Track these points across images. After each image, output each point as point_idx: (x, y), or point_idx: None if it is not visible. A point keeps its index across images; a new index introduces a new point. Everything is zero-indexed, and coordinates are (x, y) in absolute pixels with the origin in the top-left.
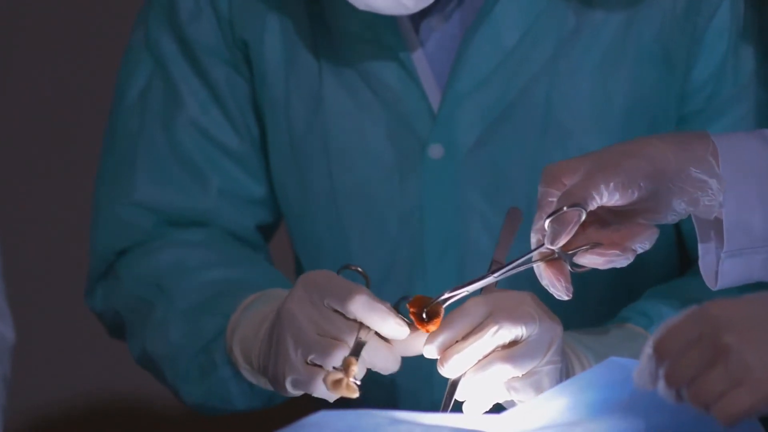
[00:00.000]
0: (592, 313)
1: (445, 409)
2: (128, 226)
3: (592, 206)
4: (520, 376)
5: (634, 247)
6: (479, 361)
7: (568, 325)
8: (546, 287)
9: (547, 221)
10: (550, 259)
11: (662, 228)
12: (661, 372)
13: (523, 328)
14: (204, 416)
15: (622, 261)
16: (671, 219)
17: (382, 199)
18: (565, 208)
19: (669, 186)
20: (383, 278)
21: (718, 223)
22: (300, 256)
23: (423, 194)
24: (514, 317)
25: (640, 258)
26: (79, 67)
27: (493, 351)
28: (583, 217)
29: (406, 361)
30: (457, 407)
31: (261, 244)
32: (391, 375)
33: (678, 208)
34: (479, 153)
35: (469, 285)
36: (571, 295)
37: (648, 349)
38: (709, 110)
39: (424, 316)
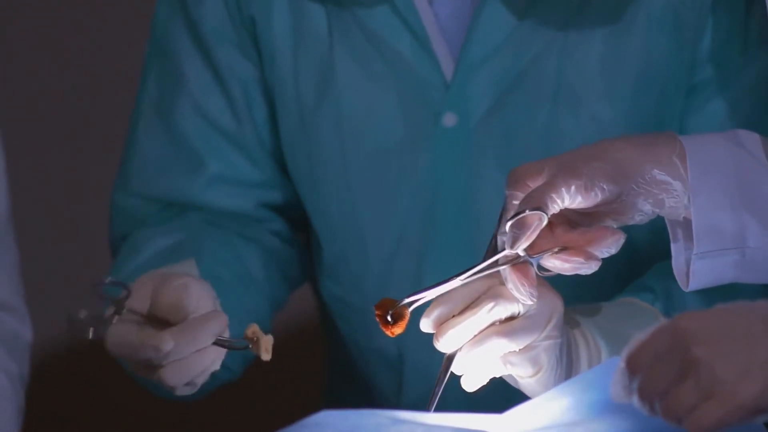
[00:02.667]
0: (597, 293)
1: (440, 384)
2: (127, 214)
3: (554, 210)
4: (517, 350)
5: (599, 253)
6: (475, 335)
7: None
8: (510, 291)
9: (508, 224)
10: (516, 262)
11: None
12: (634, 386)
13: (520, 304)
14: (204, 415)
15: (586, 269)
16: (639, 220)
17: (394, 170)
18: (527, 212)
19: (633, 187)
20: (395, 249)
21: (687, 223)
22: (317, 230)
23: (436, 163)
24: (512, 293)
25: (652, 247)
26: (92, 64)
27: (490, 326)
28: (545, 222)
29: (413, 337)
30: (455, 388)
31: (268, 217)
32: (399, 350)
33: (644, 209)
34: (492, 121)
35: (435, 287)
36: (535, 300)
37: (621, 363)
38: (718, 79)
39: (389, 318)
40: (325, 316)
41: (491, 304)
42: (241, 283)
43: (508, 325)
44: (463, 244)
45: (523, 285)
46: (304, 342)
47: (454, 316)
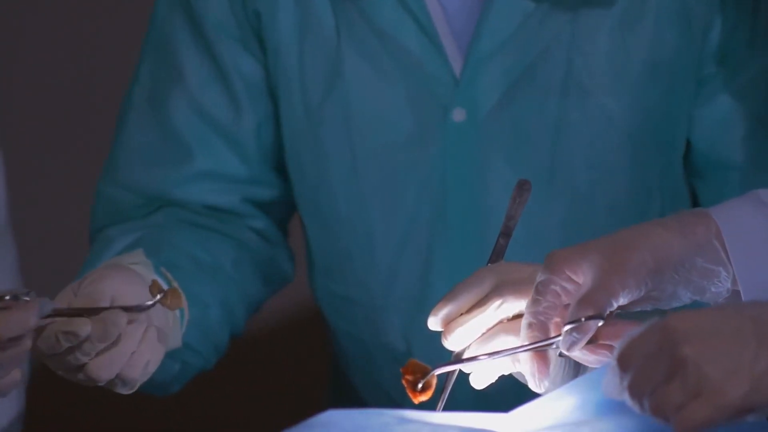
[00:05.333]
0: None
1: (449, 382)
2: (110, 205)
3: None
4: None
5: None
6: (483, 333)
7: None
8: (524, 372)
9: (565, 328)
10: (541, 347)
11: (680, 200)
12: (625, 383)
13: (528, 302)
14: (207, 415)
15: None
16: (674, 305)
17: (403, 165)
18: (583, 320)
19: (674, 276)
20: (403, 245)
21: (732, 296)
22: (314, 229)
23: (445, 158)
24: (519, 291)
25: None
26: (92, 62)
27: (498, 323)
28: (600, 324)
29: (420, 333)
30: (463, 386)
31: (251, 213)
32: (407, 346)
33: (683, 297)
34: (501, 115)
35: (467, 362)
36: (542, 390)
37: (612, 360)
38: (726, 72)
39: (420, 386)
40: (325, 317)
41: (499, 302)
42: (208, 273)
43: (515, 323)
44: (472, 239)
45: (540, 374)
46: (309, 341)
47: (461, 314)
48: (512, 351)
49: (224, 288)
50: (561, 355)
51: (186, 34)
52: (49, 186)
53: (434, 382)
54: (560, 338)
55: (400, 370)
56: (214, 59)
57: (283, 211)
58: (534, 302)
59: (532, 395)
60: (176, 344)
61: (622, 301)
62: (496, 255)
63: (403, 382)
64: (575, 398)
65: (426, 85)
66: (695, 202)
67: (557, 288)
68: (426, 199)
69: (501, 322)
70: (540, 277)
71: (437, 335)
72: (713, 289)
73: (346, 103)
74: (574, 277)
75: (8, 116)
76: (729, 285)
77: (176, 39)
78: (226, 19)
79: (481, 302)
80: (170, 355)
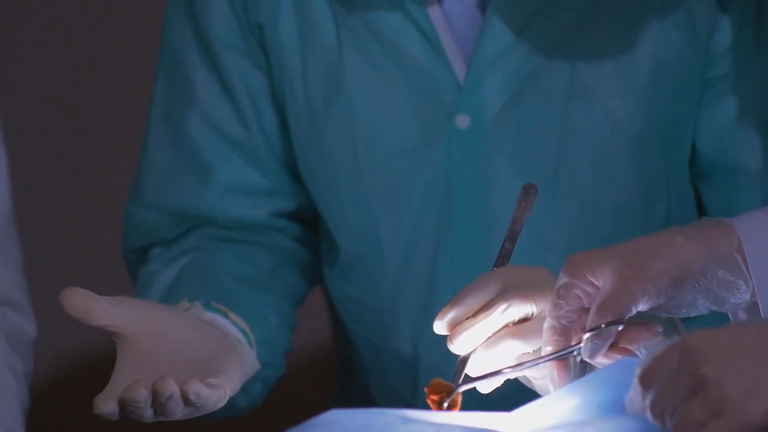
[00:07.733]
0: None
1: (455, 386)
2: (140, 226)
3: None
4: (531, 351)
5: (639, 353)
6: (489, 337)
7: None
8: (544, 377)
9: (586, 335)
10: (561, 356)
11: (685, 203)
12: (647, 402)
13: (533, 306)
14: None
15: None
16: (692, 314)
17: (407, 171)
18: (603, 326)
19: (694, 286)
20: (410, 250)
21: (749, 308)
22: (334, 232)
23: (450, 165)
24: (525, 295)
25: None
26: (95, 65)
27: (504, 327)
28: (620, 328)
29: (427, 338)
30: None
31: (283, 226)
32: (414, 351)
33: (701, 307)
34: (505, 120)
35: (488, 377)
36: None
37: (635, 379)
38: (731, 74)
39: (445, 405)
40: (336, 317)
41: (504, 306)
42: (253, 285)
43: (521, 327)
44: (477, 244)
45: (561, 380)
46: (314, 341)
47: (467, 318)
48: (535, 362)
49: (272, 293)
50: (581, 361)
51: (194, 50)
52: (53, 185)
53: (459, 399)
54: (581, 346)
55: (425, 389)
56: (220, 74)
57: (312, 217)
58: (556, 306)
59: (536, 395)
60: (255, 368)
61: (642, 307)
62: (502, 259)
63: (428, 401)
64: (578, 398)
65: (429, 91)
66: (700, 205)
67: (579, 292)
68: (431, 205)
69: (507, 325)
70: (561, 280)
71: (443, 341)
72: (732, 300)
73: (349, 110)
74: (594, 280)
75: (12, 116)
76: (748, 297)
77: (185, 56)
78: (231, 32)
79: (486, 306)
80: (250, 379)
